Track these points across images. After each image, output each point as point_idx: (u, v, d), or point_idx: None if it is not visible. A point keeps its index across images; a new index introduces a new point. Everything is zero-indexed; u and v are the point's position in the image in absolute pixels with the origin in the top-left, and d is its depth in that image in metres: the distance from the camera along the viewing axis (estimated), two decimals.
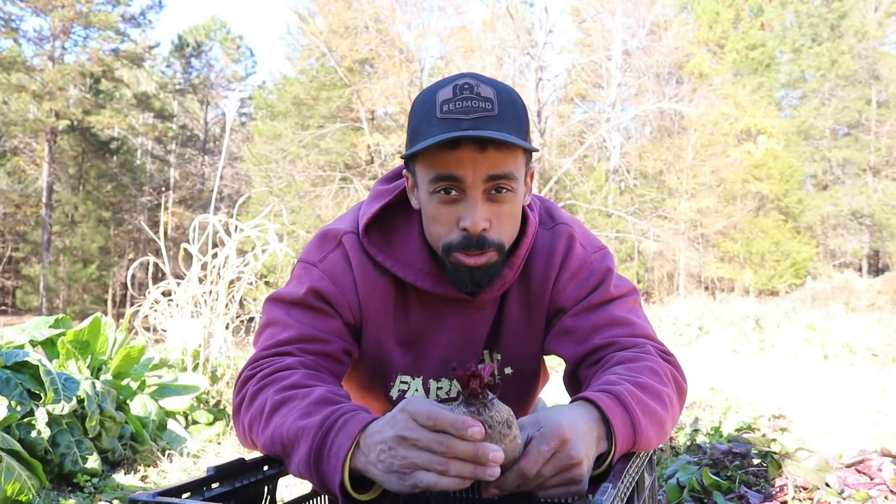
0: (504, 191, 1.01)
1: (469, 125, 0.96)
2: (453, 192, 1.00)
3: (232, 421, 1.07)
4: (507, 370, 1.22)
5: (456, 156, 0.97)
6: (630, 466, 0.89)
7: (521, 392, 1.25)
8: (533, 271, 1.17)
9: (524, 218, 1.14)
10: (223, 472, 0.88)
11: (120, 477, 2.77)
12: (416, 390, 1.20)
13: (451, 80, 1.02)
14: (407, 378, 1.20)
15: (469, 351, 1.18)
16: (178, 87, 32.24)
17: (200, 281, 4.46)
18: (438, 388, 1.20)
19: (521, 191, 1.05)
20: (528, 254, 1.16)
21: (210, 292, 4.37)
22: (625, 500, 0.84)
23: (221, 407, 3.85)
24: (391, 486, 0.79)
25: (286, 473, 0.97)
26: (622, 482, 0.83)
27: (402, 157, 1.05)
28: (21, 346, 3.23)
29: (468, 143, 0.96)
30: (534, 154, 1.08)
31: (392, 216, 1.16)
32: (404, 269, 1.12)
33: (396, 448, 0.77)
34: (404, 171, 1.14)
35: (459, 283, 1.07)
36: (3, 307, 27.09)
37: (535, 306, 1.18)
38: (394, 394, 1.20)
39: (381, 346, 1.16)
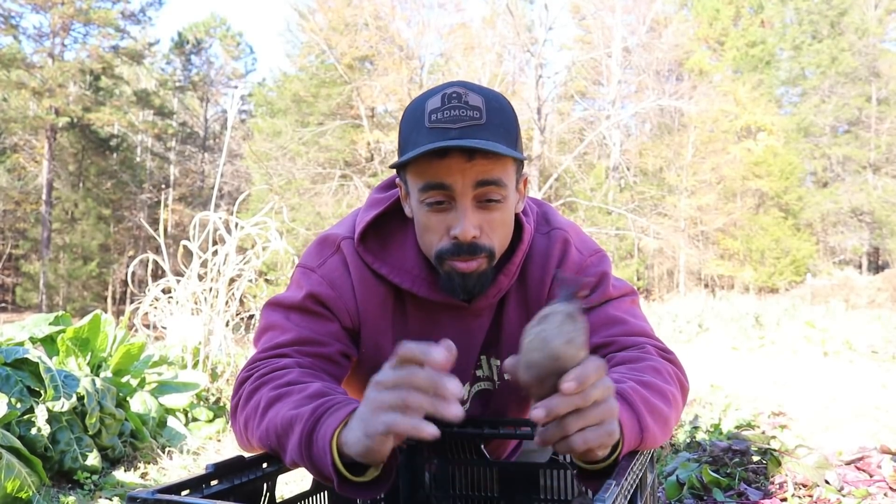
0: (495, 199, 1.02)
1: (456, 134, 0.97)
2: (443, 202, 1.01)
3: (229, 423, 1.05)
4: (507, 375, 1.21)
5: (444, 165, 0.98)
6: (634, 464, 0.88)
7: (520, 398, 1.25)
8: (530, 276, 1.18)
9: (520, 224, 1.15)
10: (222, 470, 0.88)
11: (120, 474, 2.77)
12: None
13: (440, 88, 1.02)
14: None
15: (466, 357, 1.18)
16: (177, 84, 32.21)
17: (200, 278, 4.46)
18: None
19: (512, 198, 1.05)
20: (524, 259, 1.16)
21: (210, 290, 4.37)
22: (628, 498, 0.84)
23: (221, 404, 3.85)
24: (357, 436, 0.76)
25: (285, 470, 0.96)
26: (626, 480, 0.82)
27: (391, 167, 1.06)
28: (21, 344, 3.23)
29: (456, 152, 0.97)
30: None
31: (388, 223, 1.17)
32: (400, 276, 1.13)
33: (370, 395, 0.75)
34: (397, 180, 1.14)
35: (452, 291, 1.08)
36: (3, 304, 27.09)
37: (532, 311, 1.17)
38: None
39: (380, 351, 1.16)
